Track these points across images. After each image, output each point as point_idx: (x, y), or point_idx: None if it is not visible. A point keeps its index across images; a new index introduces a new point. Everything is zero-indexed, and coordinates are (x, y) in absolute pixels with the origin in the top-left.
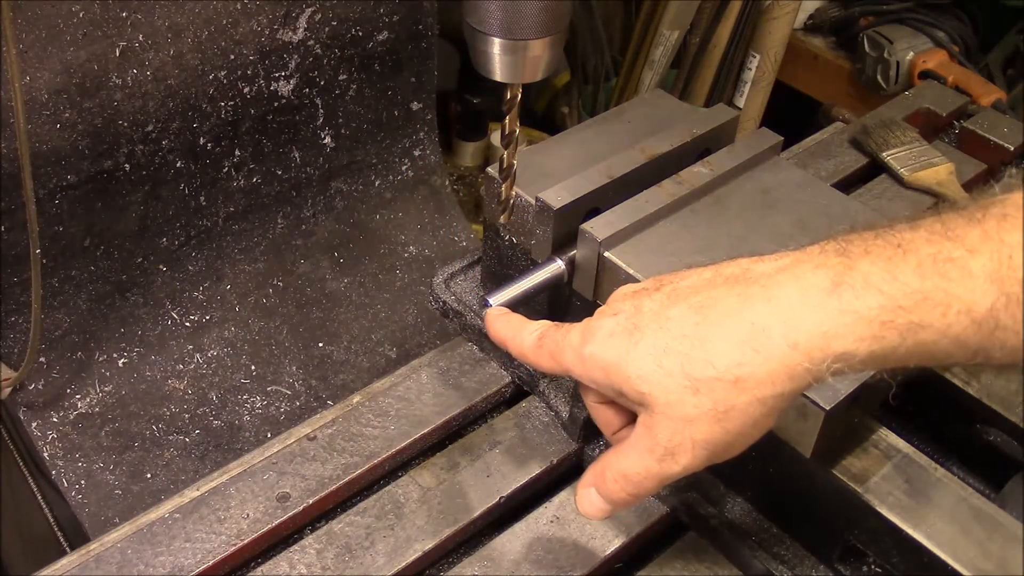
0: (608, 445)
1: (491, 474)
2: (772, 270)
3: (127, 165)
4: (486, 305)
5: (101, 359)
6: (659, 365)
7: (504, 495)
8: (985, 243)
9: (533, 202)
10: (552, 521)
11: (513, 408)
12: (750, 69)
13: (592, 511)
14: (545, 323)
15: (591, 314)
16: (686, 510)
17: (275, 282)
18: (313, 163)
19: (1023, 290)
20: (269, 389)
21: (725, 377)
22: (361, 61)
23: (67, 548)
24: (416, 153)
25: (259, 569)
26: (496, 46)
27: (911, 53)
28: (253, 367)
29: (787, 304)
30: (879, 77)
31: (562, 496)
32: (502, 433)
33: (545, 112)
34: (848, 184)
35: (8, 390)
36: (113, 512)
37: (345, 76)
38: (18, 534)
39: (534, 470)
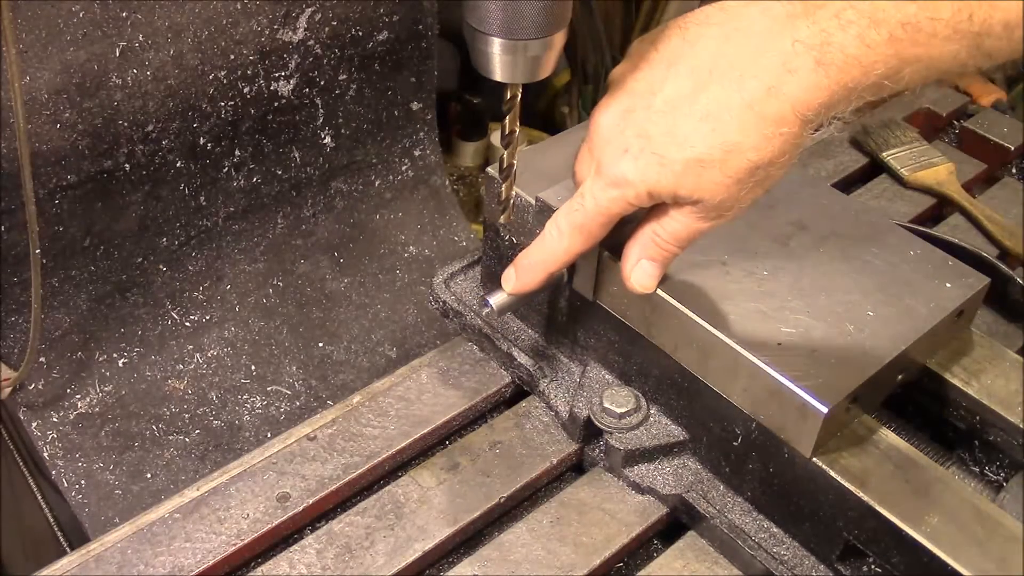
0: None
1: (491, 474)
2: (754, 50)
3: (127, 165)
4: (486, 305)
5: (101, 359)
6: (703, 178)
7: (504, 495)
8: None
9: (533, 202)
10: (552, 521)
11: (513, 408)
12: None
13: (648, 281)
14: (554, 222)
15: (591, 316)
16: (686, 510)
17: (275, 282)
18: (313, 163)
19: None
20: (269, 389)
21: (760, 164)
22: (361, 61)
23: (67, 548)
24: (416, 153)
25: (259, 569)
26: (496, 46)
27: None
28: (253, 367)
29: (783, 87)
30: None
31: (562, 496)
32: (502, 433)
33: (545, 112)
34: (848, 184)
35: (8, 390)
36: (113, 512)
37: (345, 76)
38: (18, 534)
39: (534, 470)
